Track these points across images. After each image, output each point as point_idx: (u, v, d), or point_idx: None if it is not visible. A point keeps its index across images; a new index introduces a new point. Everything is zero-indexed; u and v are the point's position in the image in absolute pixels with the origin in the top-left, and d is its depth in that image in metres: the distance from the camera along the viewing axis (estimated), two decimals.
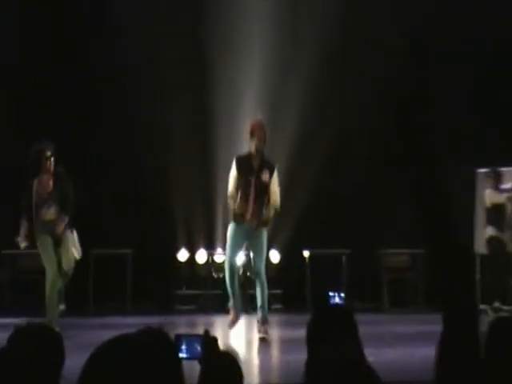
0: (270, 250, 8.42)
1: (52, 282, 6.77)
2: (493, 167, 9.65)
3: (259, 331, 6.88)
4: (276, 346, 7.09)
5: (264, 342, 6.80)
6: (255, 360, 6.25)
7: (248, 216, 6.73)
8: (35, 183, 6.94)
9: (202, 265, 9.78)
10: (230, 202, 6.88)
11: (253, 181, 6.73)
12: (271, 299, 9.55)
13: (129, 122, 9.58)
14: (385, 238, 9.96)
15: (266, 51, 9.83)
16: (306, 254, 10.06)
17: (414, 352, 5.78)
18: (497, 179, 9.64)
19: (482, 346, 2.19)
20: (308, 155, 10.07)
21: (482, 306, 9.31)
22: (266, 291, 6.93)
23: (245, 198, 6.73)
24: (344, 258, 9.87)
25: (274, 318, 8.97)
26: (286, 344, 6.74)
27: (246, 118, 8.68)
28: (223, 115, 9.98)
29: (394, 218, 9.81)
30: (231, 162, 6.96)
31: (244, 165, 6.78)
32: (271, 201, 6.81)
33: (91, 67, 9.62)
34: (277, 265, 10.12)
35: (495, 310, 9.18)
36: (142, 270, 9.27)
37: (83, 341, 5.65)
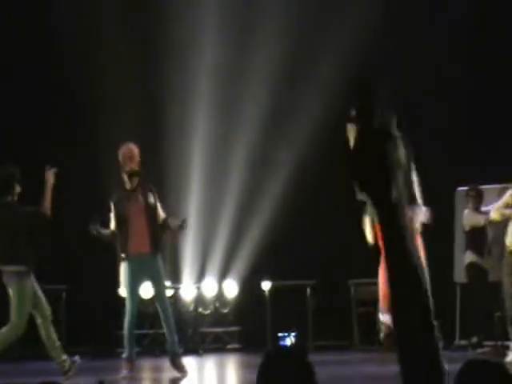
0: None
1: None
2: (474, 185, 9.69)
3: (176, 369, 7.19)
4: None
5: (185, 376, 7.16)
6: None
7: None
8: None
9: (148, 300, 9.63)
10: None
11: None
12: (227, 337, 10.52)
13: None
14: (354, 267, 9.93)
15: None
16: (266, 285, 10.15)
17: None
18: (477, 198, 9.55)
19: None
20: (270, 181, 10.62)
21: (462, 342, 9.73)
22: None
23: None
24: (309, 289, 10.00)
25: (230, 359, 9.72)
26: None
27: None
28: None
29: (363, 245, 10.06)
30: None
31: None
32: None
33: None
34: (234, 298, 10.51)
35: (474, 345, 9.28)
36: (79, 307, 9.34)
37: None
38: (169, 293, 8.84)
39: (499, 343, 9.22)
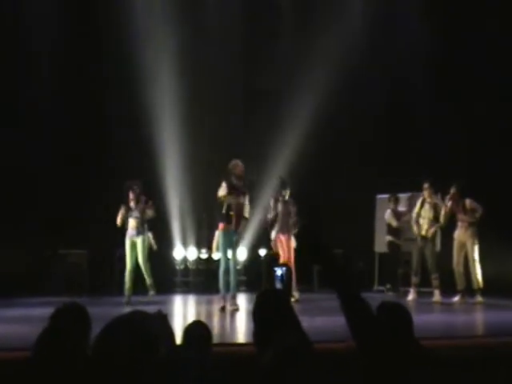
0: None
1: None
2: (393, 193, 11.69)
3: (231, 304, 8.66)
4: (240, 314, 8.52)
5: (236, 311, 8.52)
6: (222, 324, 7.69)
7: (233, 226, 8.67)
8: None
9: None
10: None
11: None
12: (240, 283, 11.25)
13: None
14: None
15: None
16: (262, 252, 12.59)
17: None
18: (395, 202, 11.70)
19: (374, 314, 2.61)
20: None
21: (380, 287, 12.04)
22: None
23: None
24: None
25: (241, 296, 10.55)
26: (248, 314, 7.81)
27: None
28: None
29: None
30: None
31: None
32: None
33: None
34: (244, 260, 12.58)
35: (388, 289, 11.65)
36: None
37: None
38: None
39: (402, 289, 11.23)
